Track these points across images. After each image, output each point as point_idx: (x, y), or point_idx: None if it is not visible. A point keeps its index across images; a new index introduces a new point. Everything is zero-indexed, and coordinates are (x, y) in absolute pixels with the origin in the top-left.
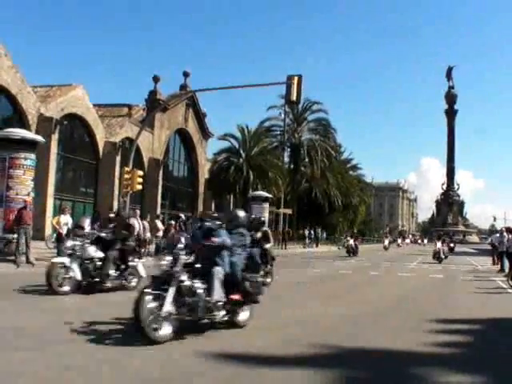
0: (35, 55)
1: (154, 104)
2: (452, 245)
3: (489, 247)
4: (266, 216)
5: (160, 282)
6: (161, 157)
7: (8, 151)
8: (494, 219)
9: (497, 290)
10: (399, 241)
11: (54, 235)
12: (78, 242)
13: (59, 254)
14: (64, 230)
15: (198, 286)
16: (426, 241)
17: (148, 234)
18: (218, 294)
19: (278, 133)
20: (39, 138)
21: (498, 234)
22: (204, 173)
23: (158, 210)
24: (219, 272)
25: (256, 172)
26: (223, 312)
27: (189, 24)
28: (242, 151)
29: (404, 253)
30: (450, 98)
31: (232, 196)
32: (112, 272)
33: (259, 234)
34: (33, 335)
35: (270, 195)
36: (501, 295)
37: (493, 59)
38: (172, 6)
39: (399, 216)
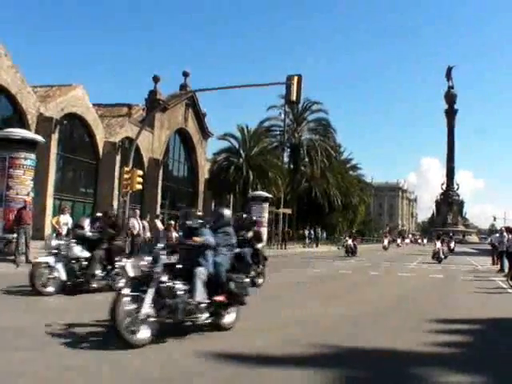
0: (35, 55)
1: (154, 104)
2: (452, 245)
3: (488, 247)
4: (265, 216)
5: (139, 283)
6: (161, 157)
7: (8, 151)
8: (494, 219)
9: (497, 289)
10: (399, 241)
11: (54, 235)
12: (62, 242)
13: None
14: (64, 230)
15: (179, 287)
16: (425, 241)
17: (148, 234)
18: (200, 295)
19: (278, 133)
20: (39, 137)
21: (497, 234)
22: (204, 173)
23: (158, 210)
24: (202, 272)
25: (256, 172)
26: (206, 314)
27: (189, 24)
28: (241, 151)
29: (403, 253)
30: (450, 98)
31: (232, 196)
32: (98, 272)
33: (250, 234)
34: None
35: (269, 195)
36: (501, 295)
37: (493, 59)
38: (172, 6)
39: (399, 216)
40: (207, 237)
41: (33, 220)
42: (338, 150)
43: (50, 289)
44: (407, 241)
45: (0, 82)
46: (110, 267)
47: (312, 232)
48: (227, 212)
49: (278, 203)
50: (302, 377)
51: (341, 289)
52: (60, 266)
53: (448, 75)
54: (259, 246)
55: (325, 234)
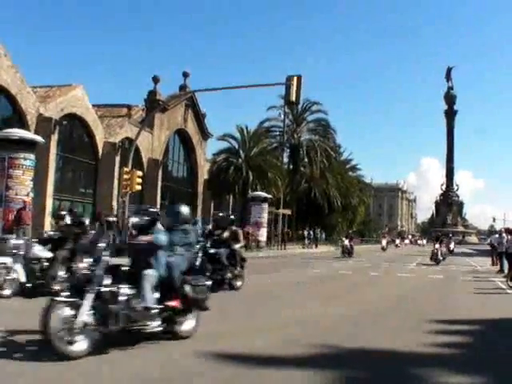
0: (35, 55)
1: (154, 104)
2: (451, 246)
3: (488, 248)
4: (265, 217)
5: (78, 288)
6: (160, 157)
7: (7, 151)
8: (494, 220)
9: (496, 290)
10: (397, 241)
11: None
12: (21, 241)
13: None
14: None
15: (124, 291)
16: (425, 241)
17: None
18: (148, 300)
19: (278, 133)
20: (38, 138)
21: (497, 235)
22: (203, 173)
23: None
24: (151, 275)
25: (255, 172)
26: (158, 322)
27: (189, 24)
28: (241, 152)
29: (402, 253)
30: (450, 99)
31: (231, 196)
32: (61, 274)
33: (226, 234)
34: None
35: (269, 196)
36: (500, 296)
37: (493, 59)
38: (172, 6)
39: (398, 216)
40: (157, 235)
41: (32, 220)
42: (337, 151)
43: (7, 291)
44: (406, 241)
45: (0, 82)
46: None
47: (311, 233)
48: (184, 209)
49: (277, 204)
50: (302, 377)
51: (340, 289)
52: (19, 267)
53: (448, 76)
54: (236, 246)
55: (324, 235)
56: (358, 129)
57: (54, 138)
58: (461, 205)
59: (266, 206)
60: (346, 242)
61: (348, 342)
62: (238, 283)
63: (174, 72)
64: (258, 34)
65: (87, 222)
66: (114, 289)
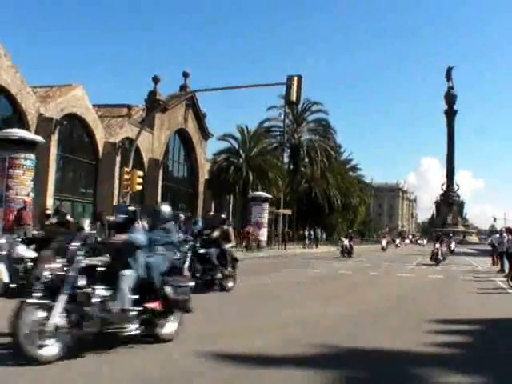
0: (35, 55)
1: (154, 104)
2: (452, 245)
3: (488, 248)
4: (265, 216)
5: (52, 289)
6: (160, 157)
7: (8, 151)
8: (494, 219)
9: (497, 290)
10: (398, 241)
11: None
12: (4, 240)
13: None
14: None
15: (100, 292)
16: (425, 241)
17: None
18: (124, 301)
19: (278, 133)
20: (39, 138)
21: (497, 235)
22: (204, 173)
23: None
24: (128, 276)
25: (256, 172)
26: (136, 324)
27: (189, 24)
28: (241, 152)
29: (403, 253)
30: (450, 99)
31: (232, 196)
32: (46, 274)
33: (216, 233)
34: None
35: (269, 196)
36: (500, 295)
37: (493, 59)
38: (172, 6)
39: (399, 216)
40: (134, 234)
41: (33, 220)
42: (337, 151)
43: None
44: (407, 241)
45: (0, 82)
46: None
47: (312, 232)
48: (165, 207)
49: (277, 204)
50: (302, 377)
51: (341, 289)
52: (2, 267)
53: (448, 76)
54: (227, 246)
55: (324, 235)
56: (357, 129)
57: (55, 138)
58: (461, 205)
59: (266, 206)
60: (346, 241)
61: (348, 341)
62: (230, 284)
63: (174, 72)
64: (258, 34)
65: (71, 219)
66: (88, 290)
